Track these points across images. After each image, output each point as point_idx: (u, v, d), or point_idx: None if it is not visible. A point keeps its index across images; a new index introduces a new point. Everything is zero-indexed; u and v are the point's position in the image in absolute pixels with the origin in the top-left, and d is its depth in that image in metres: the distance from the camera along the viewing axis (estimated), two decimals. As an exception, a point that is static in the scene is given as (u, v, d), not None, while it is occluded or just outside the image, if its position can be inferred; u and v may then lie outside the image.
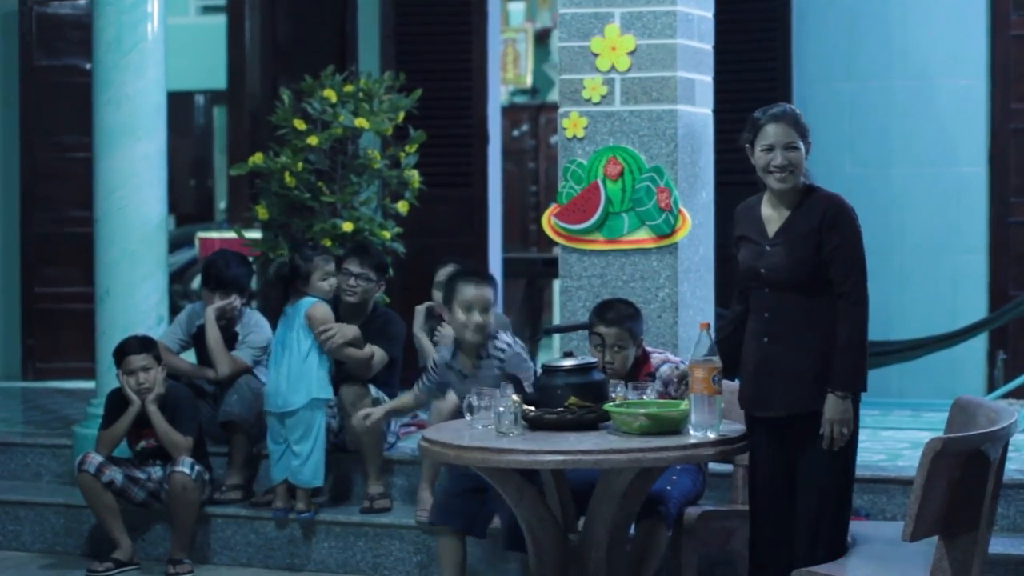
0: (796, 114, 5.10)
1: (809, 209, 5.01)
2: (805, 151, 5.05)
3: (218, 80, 11.74)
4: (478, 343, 5.94)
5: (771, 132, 5.05)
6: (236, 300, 7.33)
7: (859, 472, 6.56)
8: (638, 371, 5.86)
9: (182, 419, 6.95)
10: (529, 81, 16.46)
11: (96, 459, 6.89)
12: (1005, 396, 7.92)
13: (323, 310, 6.89)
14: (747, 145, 5.14)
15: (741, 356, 5.16)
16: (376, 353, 6.88)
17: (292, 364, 6.85)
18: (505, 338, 5.99)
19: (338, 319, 6.98)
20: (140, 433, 6.98)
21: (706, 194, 6.93)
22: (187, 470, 6.82)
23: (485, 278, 6.01)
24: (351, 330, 6.89)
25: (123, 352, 6.97)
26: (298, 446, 6.85)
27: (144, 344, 6.99)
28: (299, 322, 6.85)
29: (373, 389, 6.91)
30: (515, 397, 5.18)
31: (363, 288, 7.05)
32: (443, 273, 6.96)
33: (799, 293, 4.97)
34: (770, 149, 5.05)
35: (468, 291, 5.90)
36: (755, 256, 5.07)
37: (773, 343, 5.01)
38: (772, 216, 5.10)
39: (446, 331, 6.67)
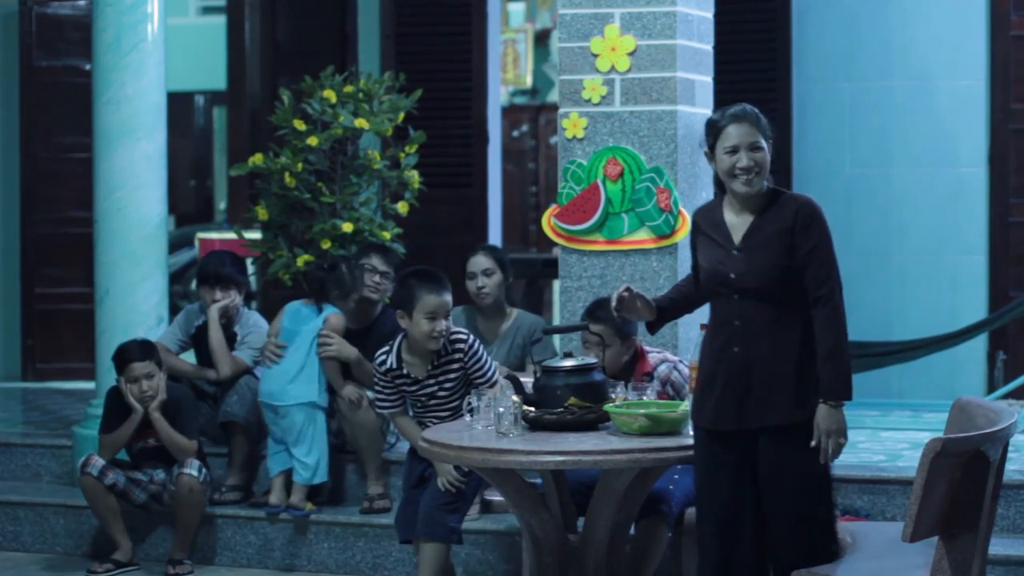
0: (757, 113, 4.83)
1: (778, 212, 4.78)
2: (768, 151, 4.81)
3: (218, 81, 11.75)
4: (438, 349, 5.88)
5: (734, 133, 4.77)
6: (237, 298, 7.33)
7: (859, 473, 6.59)
8: (634, 370, 5.85)
9: (185, 422, 6.94)
10: (529, 81, 16.47)
11: (99, 462, 6.88)
12: (1005, 396, 7.92)
13: (340, 322, 6.95)
14: (706, 151, 4.88)
15: (700, 367, 4.91)
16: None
17: (293, 362, 6.87)
18: (459, 330, 5.95)
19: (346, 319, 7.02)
20: (140, 433, 6.97)
21: (706, 195, 6.92)
22: (195, 472, 6.81)
23: (443, 282, 5.90)
24: (350, 351, 6.90)
25: (125, 359, 6.91)
26: (296, 448, 6.86)
27: (146, 350, 6.93)
28: (316, 325, 6.89)
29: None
30: (515, 398, 5.18)
31: (386, 286, 7.09)
32: (475, 263, 7.00)
33: (769, 299, 4.74)
34: (734, 151, 4.77)
35: (431, 299, 5.78)
36: (721, 261, 4.82)
37: (746, 352, 4.75)
38: (736, 222, 4.84)
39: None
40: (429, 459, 5.62)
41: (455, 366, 5.89)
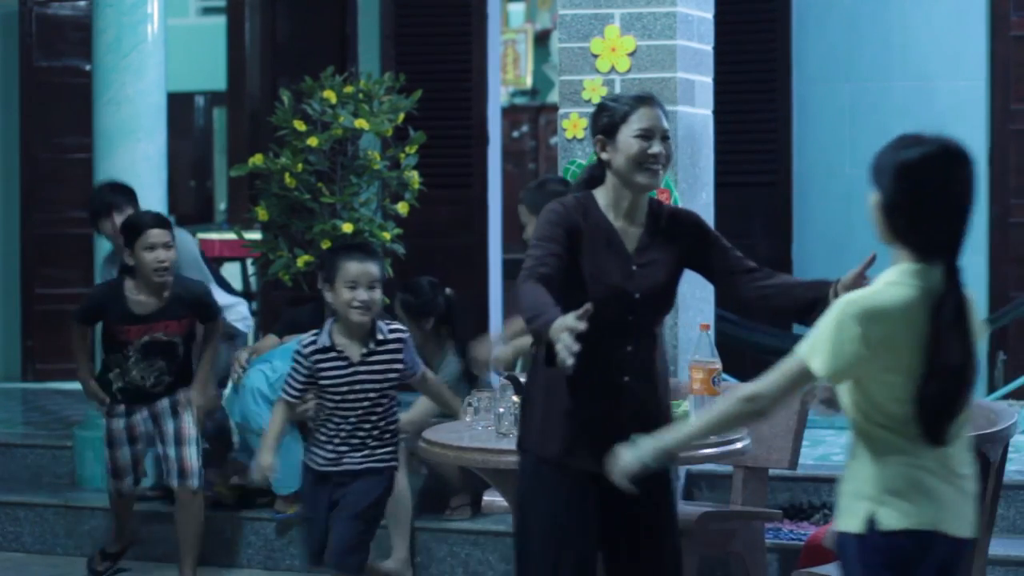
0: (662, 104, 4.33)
1: (671, 226, 4.30)
2: None
3: (218, 81, 11.77)
4: (364, 324, 5.43)
5: (647, 115, 4.18)
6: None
7: (859, 473, 6.60)
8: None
9: (212, 311, 6.63)
10: (529, 82, 16.46)
11: (128, 480, 6.64)
12: (1005, 397, 7.91)
13: None
14: (599, 137, 4.23)
15: (567, 397, 4.23)
16: None
17: (253, 395, 6.82)
18: (396, 324, 5.63)
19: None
20: (148, 324, 6.47)
21: (706, 195, 6.93)
22: (196, 482, 6.57)
23: (370, 253, 5.54)
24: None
25: (139, 227, 6.36)
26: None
27: (162, 220, 6.47)
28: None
29: None
30: (515, 398, 5.18)
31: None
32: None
33: (656, 323, 4.29)
34: (647, 135, 4.18)
35: (352, 267, 5.40)
36: (622, 276, 4.22)
37: (639, 382, 4.26)
38: (625, 229, 4.27)
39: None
40: (328, 477, 5.46)
41: (396, 365, 5.48)
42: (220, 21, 11.53)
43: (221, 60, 10.86)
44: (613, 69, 6.72)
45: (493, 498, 6.64)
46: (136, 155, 7.49)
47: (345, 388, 5.45)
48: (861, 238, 9.00)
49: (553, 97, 15.40)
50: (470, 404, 5.41)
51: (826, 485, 6.56)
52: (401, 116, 7.81)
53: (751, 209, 9.04)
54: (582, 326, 3.75)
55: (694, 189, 6.80)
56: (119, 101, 7.47)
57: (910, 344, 3.33)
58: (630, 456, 3.73)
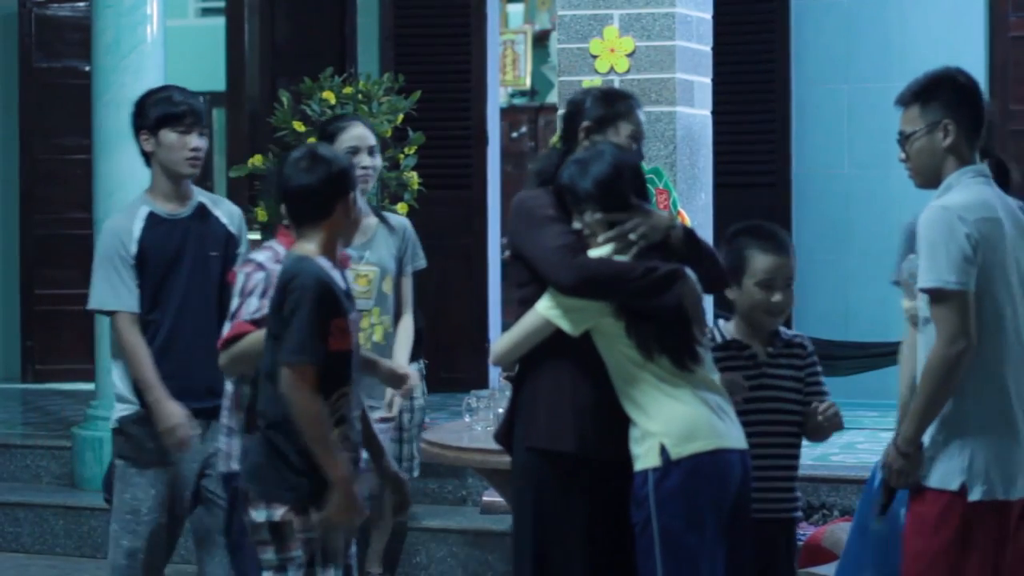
0: None
1: None
2: None
3: (217, 82, 11.75)
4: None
5: (639, 119, 4.47)
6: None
7: (858, 473, 6.61)
8: None
9: None
10: (528, 83, 16.46)
11: None
12: (1004, 397, 7.90)
13: None
14: (589, 124, 4.39)
15: (570, 392, 4.18)
16: None
17: None
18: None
19: None
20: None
21: (705, 196, 6.93)
22: None
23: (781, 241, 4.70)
24: None
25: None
26: None
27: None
28: None
29: None
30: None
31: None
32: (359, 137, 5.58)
33: None
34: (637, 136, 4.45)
35: (766, 261, 4.67)
36: None
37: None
38: None
39: None
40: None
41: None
42: (219, 22, 11.51)
43: (220, 61, 10.84)
44: (612, 70, 6.72)
45: (493, 498, 6.64)
46: (136, 156, 7.45)
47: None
48: (860, 238, 9.04)
49: (552, 98, 15.40)
50: (468, 405, 5.42)
51: (826, 485, 6.57)
52: (400, 117, 7.82)
53: (750, 210, 8.98)
54: None
55: (693, 190, 6.81)
56: (119, 102, 7.47)
57: None
58: None
